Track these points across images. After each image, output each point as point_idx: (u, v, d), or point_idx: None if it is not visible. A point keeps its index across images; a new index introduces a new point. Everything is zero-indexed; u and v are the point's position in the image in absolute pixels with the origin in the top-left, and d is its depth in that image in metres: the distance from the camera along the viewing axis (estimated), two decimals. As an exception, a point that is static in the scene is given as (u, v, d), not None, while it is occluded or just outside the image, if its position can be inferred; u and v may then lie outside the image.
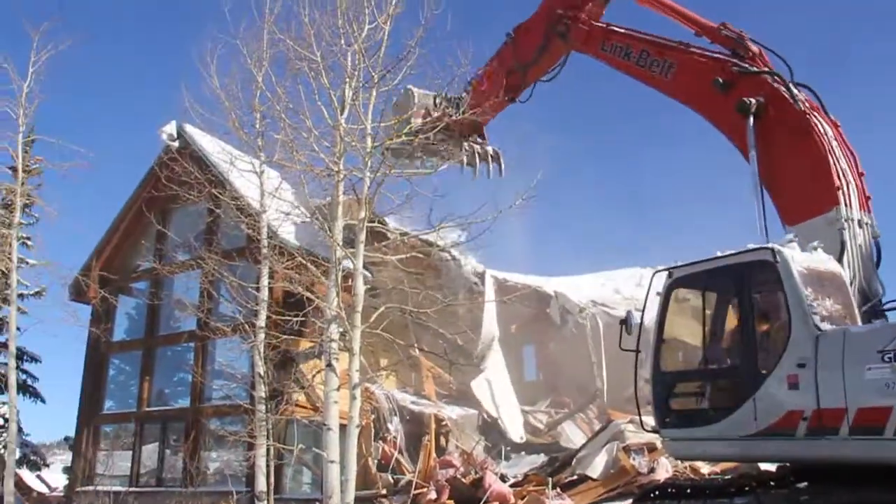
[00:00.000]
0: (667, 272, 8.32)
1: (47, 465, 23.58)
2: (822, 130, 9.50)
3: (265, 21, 13.13)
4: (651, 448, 13.68)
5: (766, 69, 10.42)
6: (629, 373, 8.64)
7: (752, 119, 9.88)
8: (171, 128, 17.89)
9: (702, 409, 7.97)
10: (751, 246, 7.83)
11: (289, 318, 12.59)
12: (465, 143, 15.42)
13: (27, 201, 17.91)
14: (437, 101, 14.52)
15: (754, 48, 10.68)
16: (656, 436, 8.88)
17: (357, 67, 12.21)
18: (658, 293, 8.27)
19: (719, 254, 8.04)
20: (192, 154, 16.88)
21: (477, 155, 15.65)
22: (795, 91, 9.97)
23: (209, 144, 17.06)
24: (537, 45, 13.83)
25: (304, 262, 12.71)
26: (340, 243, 11.94)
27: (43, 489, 24.90)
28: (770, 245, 7.64)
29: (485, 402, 18.20)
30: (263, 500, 13.52)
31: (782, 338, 7.20)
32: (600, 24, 13.04)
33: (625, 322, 8.44)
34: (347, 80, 12.27)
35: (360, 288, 11.82)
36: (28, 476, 22.88)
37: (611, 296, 21.90)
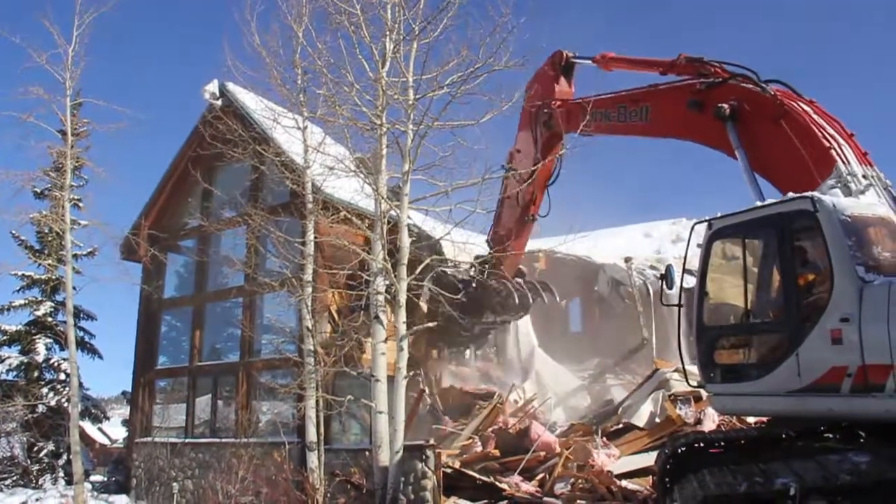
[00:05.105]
0: (706, 224, 8.10)
1: (107, 418, 24.13)
2: (799, 108, 9.56)
3: (304, -24, 13.12)
4: (697, 398, 13.64)
5: (730, 74, 10.60)
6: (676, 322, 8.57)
7: (730, 122, 10.07)
8: (213, 86, 17.94)
9: (746, 365, 7.79)
10: (790, 195, 7.61)
11: (335, 271, 12.76)
12: (512, 285, 16.97)
13: (77, 163, 18.11)
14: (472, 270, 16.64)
15: (715, 64, 10.98)
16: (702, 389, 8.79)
17: (397, 20, 12.14)
18: (699, 245, 8.09)
19: (758, 203, 7.84)
20: (236, 112, 17.03)
21: (530, 294, 17.35)
22: (764, 85, 10.13)
23: (252, 102, 17.09)
24: (532, 155, 14.79)
25: (348, 215, 12.81)
26: (385, 196, 12.00)
27: (104, 441, 25.92)
28: (809, 193, 7.35)
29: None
30: (314, 449, 13.86)
31: (825, 291, 6.94)
32: (575, 101, 14.15)
33: (665, 277, 8.25)
34: (388, 32, 12.21)
35: (406, 241, 11.90)
36: (90, 428, 23.66)
37: (655, 249, 21.75)
